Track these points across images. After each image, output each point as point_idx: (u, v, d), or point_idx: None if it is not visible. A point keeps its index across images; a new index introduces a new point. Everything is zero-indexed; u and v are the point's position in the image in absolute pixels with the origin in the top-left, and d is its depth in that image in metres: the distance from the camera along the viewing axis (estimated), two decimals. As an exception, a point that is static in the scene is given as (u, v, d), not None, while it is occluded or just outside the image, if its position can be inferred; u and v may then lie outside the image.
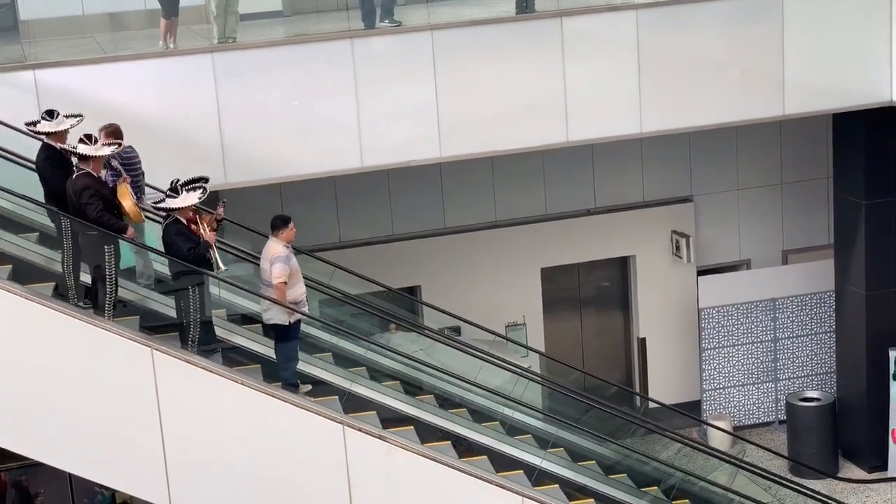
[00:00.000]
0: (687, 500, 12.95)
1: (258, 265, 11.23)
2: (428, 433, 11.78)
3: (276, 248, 10.93)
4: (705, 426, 16.65)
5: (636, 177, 17.19)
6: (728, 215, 17.61)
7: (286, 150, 12.57)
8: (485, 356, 12.30)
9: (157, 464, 9.95)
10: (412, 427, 11.66)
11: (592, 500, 12.21)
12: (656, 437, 13.99)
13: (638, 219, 17.22)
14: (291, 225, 11.01)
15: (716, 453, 13.69)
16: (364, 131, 12.70)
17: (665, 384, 17.47)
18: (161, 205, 10.55)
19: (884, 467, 15.82)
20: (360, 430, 10.30)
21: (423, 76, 12.78)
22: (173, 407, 9.93)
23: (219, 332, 11.33)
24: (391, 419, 11.66)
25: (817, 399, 16.47)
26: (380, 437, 10.34)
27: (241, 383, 10.07)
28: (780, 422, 17.16)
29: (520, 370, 12.64)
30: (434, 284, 16.34)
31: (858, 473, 15.95)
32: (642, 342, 17.61)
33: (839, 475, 15.81)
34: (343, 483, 10.23)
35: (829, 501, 13.02)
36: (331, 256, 12.29)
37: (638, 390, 17.57)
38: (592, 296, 17.87)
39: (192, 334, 10.54)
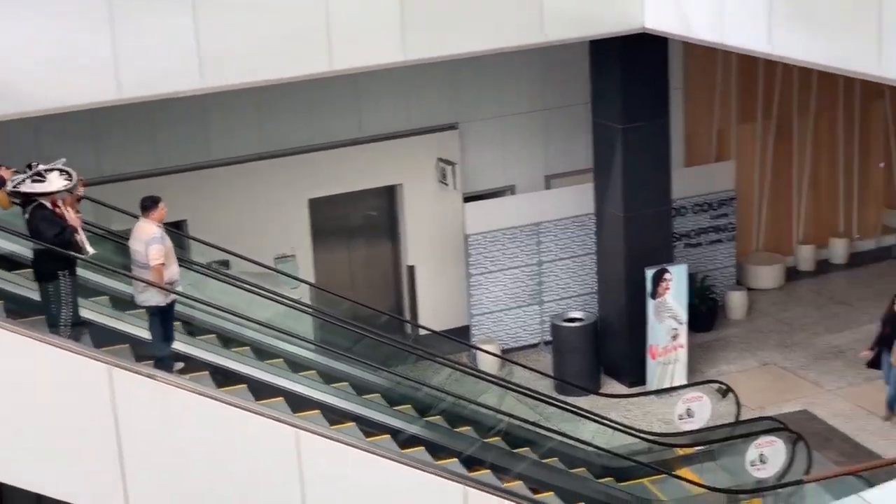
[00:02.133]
0: (469, 427, 13.28)
1: (126, 246, 11.26)
2: (197, 368, 11.72)
3: (149, 229, 10.98)
4: (474, 350, 17.00)
5: (401, 105, 17.25)
6: (492, 142, 17.88)
7: (39, 82, 12.05)
8: (254, 289, 12.21)
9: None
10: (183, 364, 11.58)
11: (353, 423, 12.34)
12: (428, 364, 14.23)
13: (404, 147, 17.30)
14: (162, 205, 11.11)
15: (484, 376, 14.03)
16: (121, 62, 12.31)
17: (435, 310, 17.72)
18: (26, 189, 10.41)
19: (642, 382, 16.52)
20: (127, 369, 10.08)
21: (182, 4, 12.43)
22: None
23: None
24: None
25: (580, 319, 17.03)
26: (149, 376, 10.13)
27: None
28: (546, 343, 17.69)
29: (290, 302, 12.61)
30: (200, 218, 16.04)
31: (619, 389, 16.61)
32: (411, 270, 17.79)
33: (601, 391, 16.44)
34: (111, 423, 9.99)
35: (591, 416, 13.56)
36: (91, 192, 11.90)
37: (408, 318, 17.79)
38: (361, 225, 17.92)
39: (64, 318, 10.55)
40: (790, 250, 20.23)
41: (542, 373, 16.03)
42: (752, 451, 13.17)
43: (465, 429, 13.33)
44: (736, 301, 18.68)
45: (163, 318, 11.24)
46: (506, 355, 17.17)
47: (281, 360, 12.95)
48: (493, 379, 13.92)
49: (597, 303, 17.44)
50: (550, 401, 13.90)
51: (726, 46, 13.70)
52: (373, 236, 18.00)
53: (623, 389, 16.55)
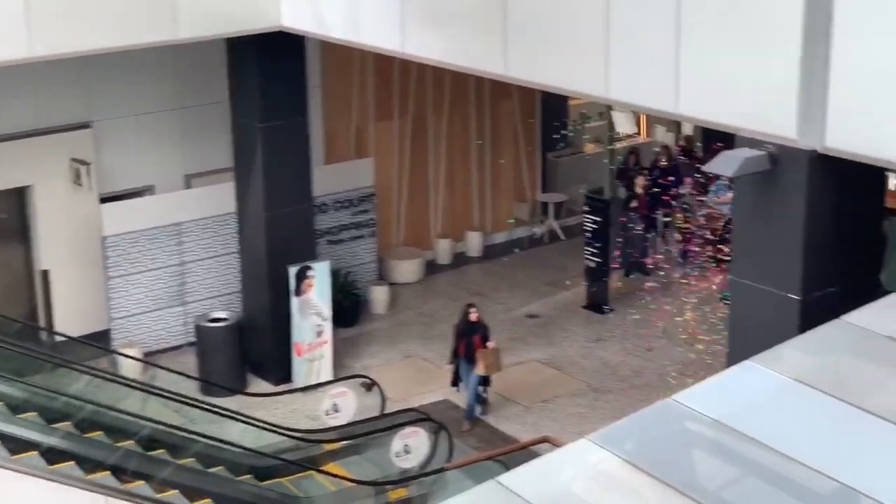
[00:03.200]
0: (101, 432, 12.85)
1: None
2: None
3: None
4: (115, 355, 16.52)
5: (30, 103, 16.48)
6: (129, 141, 17.41)
7: None
8: None
9: None
10: None
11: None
12: (66, 371, 13.69)
13: (34, 147, 16.56)
14: None
15: (126, 381, 13.68)
16: None
17: (72, 316, 17.06)
18: None
19: (289, 379, 16.55)
20: None
21: None
22: None
23: None
24: None
25: (224, 319, 16.86)
26: None
27: None
28: (191, 344, 17.40)
29: None
30: None
31: (266, 387, 16.57)
32: (45, 274, 17.05)
33: (248, 391, 16.35)
34: None
35: (238, 416, 13.47)
36: None
37: (43, 324, 17.05)
38: (-11, 229, 17.05)
39: None
40: (429, 244, 20.84)
41: (187, 375, 15.78)
42: (397, 442, 13.48)
43: (97, 433, 12.93)
44: (378, 296, 19.05)
45: None
46: (149, 358, 16.78)
47: None
48: (135, 383, 13.58)
49: (241, 302, 17.33)
50: (196, 403, 13.72)
51: (362, 46, 13.93)
52: (2, 240, 17.12)
53: (269, 388, 16.51)
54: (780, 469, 7.16)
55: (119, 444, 12.72)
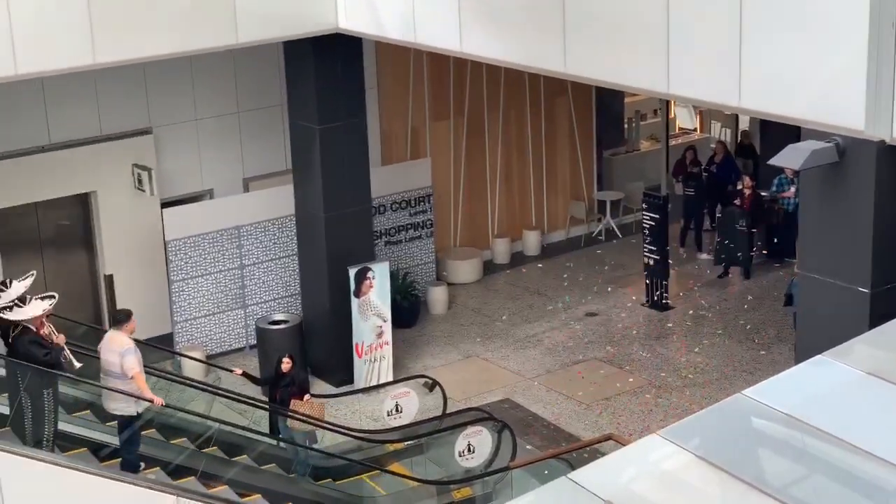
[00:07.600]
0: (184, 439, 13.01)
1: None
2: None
3: (122, 340, 11.95)
4: (179, 357, 16.66)
5: (92, 110, 16.66)
6: (188, 146, 17.56)
7: None
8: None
9: None
10: None
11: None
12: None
13: (97, 153, 16.73)
14: (133, 317, 12.24)
15: (192, 383, 13.79)
16: None
17: (136, 319, 17.17)
18: (10, 316, 11.23)
19: (350, 380, 16.59)
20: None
21: None
22: None
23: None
24: None
25: (285, 321, 16.95)
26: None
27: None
28: (252, 346, 17.52)
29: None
30: None
31: (327, 388, 16.62)
32: (109, 279, 17.24)
33: (310, 392, 16.38)
34: None
35: (300, 416, 13.55)
36: None
37: (108, 328, 17.19)
38: (53, 235, 17.21)
39: (47, 434, 11.33)
40: (487, 244, 20.83)
41: (250, 377, 15.88)
42: (460, 441, 13.49)
43: (181, 440, 13.09)
44: (437, 296, 19.06)
45: (132, 425, 11.98)
46: (212, 360, 16.91)
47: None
48: (201, 385, 13.69)
49: (301, 304, 17.42)
50: (261, 405, 13.81)
51: (419, 46, 13.95)
52: (67, 246, 17.31)
53: (331, 389, 16.58)
54: (853, 463, 7.08)
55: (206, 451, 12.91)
